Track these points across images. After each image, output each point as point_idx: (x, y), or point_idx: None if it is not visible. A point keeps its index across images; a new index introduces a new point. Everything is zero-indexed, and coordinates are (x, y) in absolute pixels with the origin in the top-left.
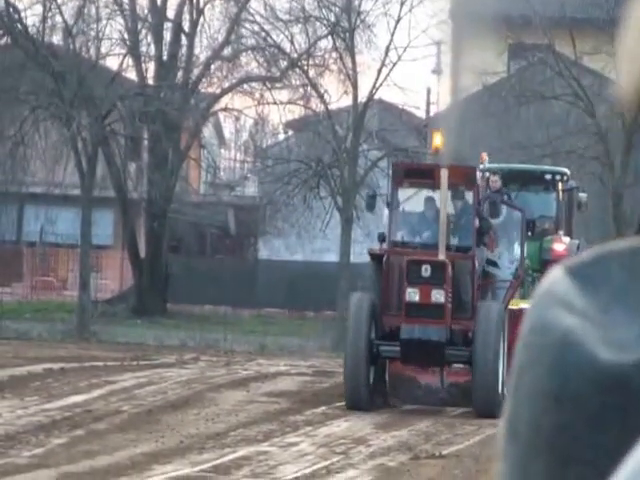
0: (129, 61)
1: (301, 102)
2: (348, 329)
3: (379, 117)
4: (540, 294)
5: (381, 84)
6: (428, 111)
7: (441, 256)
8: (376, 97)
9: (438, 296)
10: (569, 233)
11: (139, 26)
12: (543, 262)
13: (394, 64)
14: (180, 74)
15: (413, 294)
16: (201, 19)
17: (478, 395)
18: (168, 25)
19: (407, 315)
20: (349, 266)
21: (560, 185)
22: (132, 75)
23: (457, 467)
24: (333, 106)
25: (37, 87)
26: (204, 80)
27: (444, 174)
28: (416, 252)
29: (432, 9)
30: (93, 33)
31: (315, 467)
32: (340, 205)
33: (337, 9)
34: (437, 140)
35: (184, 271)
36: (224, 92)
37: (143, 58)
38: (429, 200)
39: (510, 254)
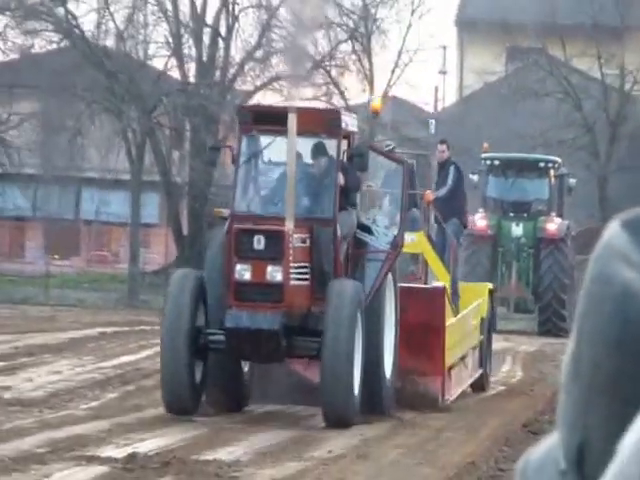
0: (173, 62)
1: (324, 98)
2: (164, 315)
3: (392, 111)
4: (601, 246)
5: (394, 82)
6: (436, 106)
7: (288, 222)
8: (390, 94)
9: (275, 274)
10: (560, 214)
11: (182, 31)
12: (537, 240)
13: (406, 65)
14: (218, 73)
15: (243, 271)
16: (236, 25)
17: (325, 397)
18: (207, 30)
19: (236, 298)
20: None
21: (552, 172)
22: (175, 74)
23: (461, 420)
24: (352, 102)
25: (93, 85)
26: (239, 79)
27: (292, 119)
28: (252, 218)
29: (439, 17)
30: (141, 37)
31: None
32: None
33: (355, 17)
34: (377, 101)
35: None
36: (256, 89)
37: (185, 59)
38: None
39: (388, 218)
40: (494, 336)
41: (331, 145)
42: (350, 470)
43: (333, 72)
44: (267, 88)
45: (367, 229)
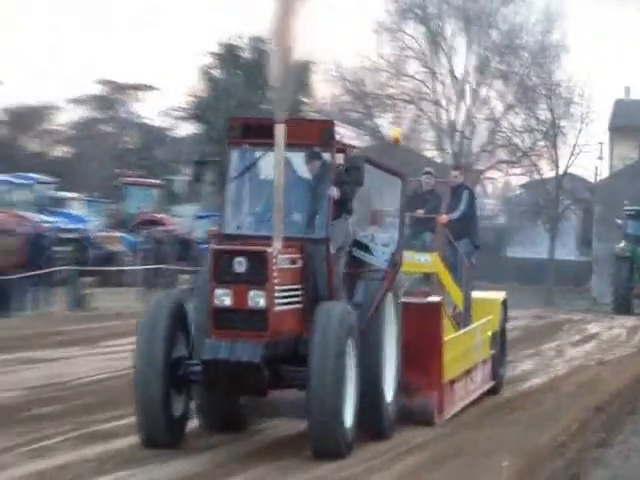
0: (436, 153)
1: (528, 174)
2: (137, 345)
3: (570, 182)
4: None
5: (571, 164)
6: (596, 179)
7: (276, 242)
8: (568, 171)
9: (258, 299)
10: None
11: (441, 134)
12: None
13: (577, 154)
14: (462, 160)
15: (223, 297)
16: (475, 131)
17: (312, 428)
18: (456, 133)
19: (216, 325)
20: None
21: None
22: (439, 160)
23: (612, 368)
24: (545, 176)
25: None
26: (476, 162)
27: (279, 131)
28: (240, 238)
29: (599, 123)
30: (416, 136)
31: None
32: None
33: (547, 125)
34: (394, 132)
35: None
36: (487, 169)
37: (445, 150)
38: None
39: (386, 235)
40: (632, 318)
41: (325, 158)
42: (540, 398)
43: (533, 158)
44: (494, 168)
45: (365, 247)
